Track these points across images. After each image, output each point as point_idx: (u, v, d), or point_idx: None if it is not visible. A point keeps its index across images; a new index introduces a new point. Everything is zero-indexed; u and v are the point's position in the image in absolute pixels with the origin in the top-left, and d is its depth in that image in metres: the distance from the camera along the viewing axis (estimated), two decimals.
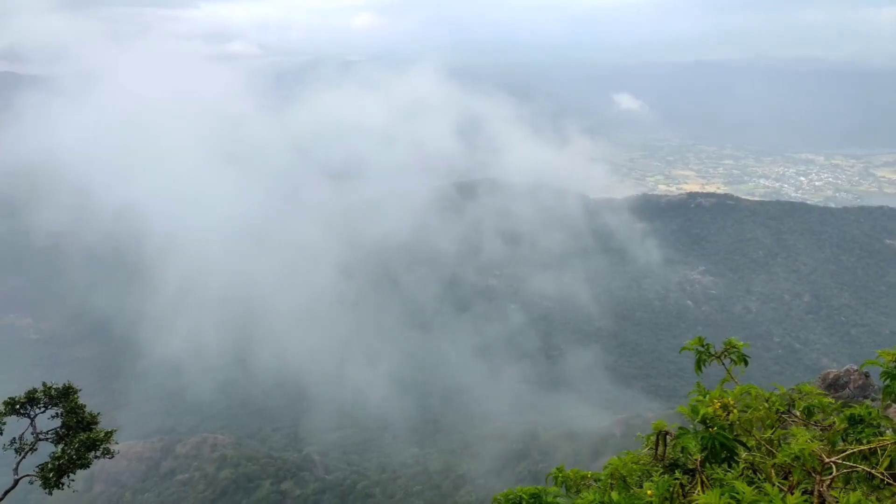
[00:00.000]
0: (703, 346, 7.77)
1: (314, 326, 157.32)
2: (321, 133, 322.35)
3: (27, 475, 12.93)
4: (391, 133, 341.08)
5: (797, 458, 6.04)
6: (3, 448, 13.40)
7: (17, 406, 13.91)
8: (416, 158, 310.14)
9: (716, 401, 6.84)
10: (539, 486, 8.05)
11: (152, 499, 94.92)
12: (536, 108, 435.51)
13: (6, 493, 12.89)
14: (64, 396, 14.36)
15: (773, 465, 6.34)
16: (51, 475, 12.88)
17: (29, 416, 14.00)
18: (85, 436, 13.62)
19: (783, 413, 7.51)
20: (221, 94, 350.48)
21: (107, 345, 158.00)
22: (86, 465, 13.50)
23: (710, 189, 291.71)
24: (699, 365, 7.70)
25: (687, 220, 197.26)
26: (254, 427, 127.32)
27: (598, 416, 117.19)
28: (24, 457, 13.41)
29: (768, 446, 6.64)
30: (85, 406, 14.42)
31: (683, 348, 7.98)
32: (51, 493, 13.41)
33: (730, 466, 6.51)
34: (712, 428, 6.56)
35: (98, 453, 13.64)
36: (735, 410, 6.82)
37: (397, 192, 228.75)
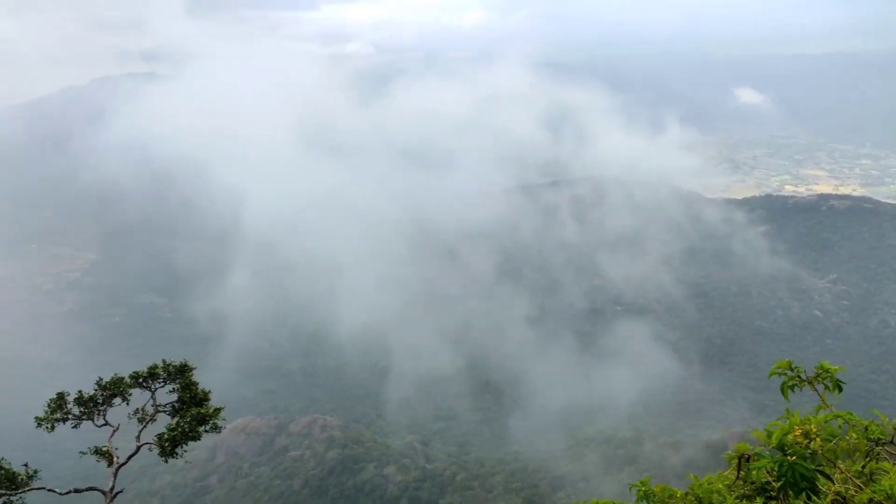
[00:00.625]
0: (791, 370, 7.23)
1: (411, 317, 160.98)
2: (421, 125, 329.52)
3: (147, 443, 14.34)
4: (500, 127, 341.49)
5: (889, 496, 5.47)
6: (129, 417, 14.95)
7: (141, 380, 15.44)
8: (521, 153, 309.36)
9: (796, 427, 6.33)
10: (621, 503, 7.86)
11: (267, 472, 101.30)
12: (650, 104, 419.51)
13: (130, 457, 14.36)
14: (180, 373, 15.71)
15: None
16: (166, 444, 14.19)
17: (150, 390, 15.51)
18: (196, 411, 14.86)
19: (884, 444, 6.80)
20: (328, 90, 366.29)
21: (227, 324, 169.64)
22: (196, 438, 14.71)
23: (845, 191, 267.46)
24: (785, 390, 7.14)
25: (817, 224, 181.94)
26: (359, 411, 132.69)
27: (710, 429, 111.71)
28: (145, 426, 14.88)
29: (855, 480, 6.04)
30: (198, 383, 15.73)
31: (772, 372, 7.45)
32: (166, 461, 14.77)
33: (809, 498, 5.99)
34: (791, 456, 6.08)
35: (207, 428, 14.84)
36: (818, 439, 6.27)
37: (506, 188, 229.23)
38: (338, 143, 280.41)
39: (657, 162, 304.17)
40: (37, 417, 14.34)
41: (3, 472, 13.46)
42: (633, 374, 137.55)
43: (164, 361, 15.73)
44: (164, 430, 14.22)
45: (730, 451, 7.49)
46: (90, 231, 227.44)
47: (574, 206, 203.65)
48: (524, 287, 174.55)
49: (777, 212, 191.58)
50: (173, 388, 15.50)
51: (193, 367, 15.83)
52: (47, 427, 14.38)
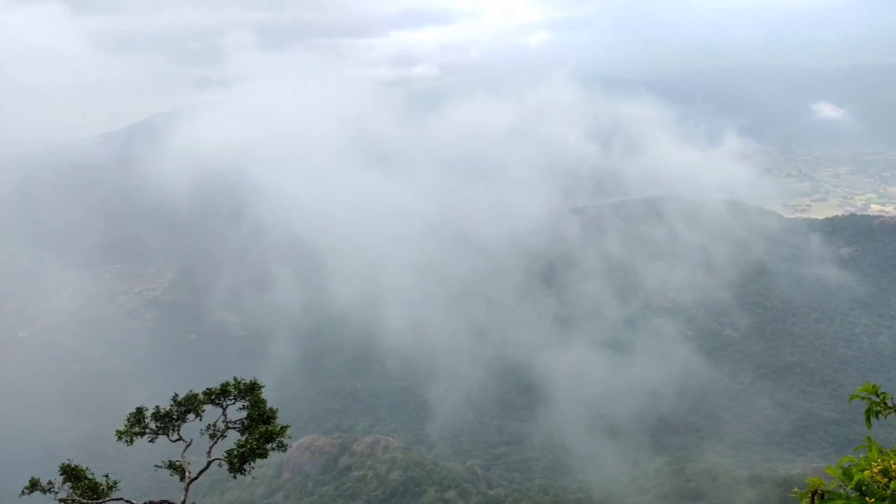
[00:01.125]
0: (877, 394, 6.72)
1: (464, 337, 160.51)
2: (473, 137, 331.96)
3: (217, 459, 14.85)
4: (555, 141, 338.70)
5: None
6: (201, 433, 15.55)
7: (213, 396, 16.06)
8: (578, 167, 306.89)
9: (874, 464, 5.87)
10: None
11: (330, 491, 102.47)
12: (726, 119, 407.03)
13: (201, 472, 14.92)
14: (250, 391, 16.25)
15: None
16: (235, 461, 14.65)
17: (222, 406, 16.11)
18: (264, 428, 15.31)
19: None
20: (384, 108, 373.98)
21: (295, 343, 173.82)
22: (264, 455, 15.14)
23: None
24: (868, 416, 6.64)
25: None
26: (421, 433, 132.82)
27: (789, 463, 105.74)
28: (215, 442, 15.43)
29: None
30: (266, 401, 16.22)
31: (853, 396, 6.97)
32: (235, 477, 15.26)
33: None
34: (870, 498, 5.61)
35: (274, 445, 15.25)
36: None
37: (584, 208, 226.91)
38: (389, 156, 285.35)
39: (729, 179, 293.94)
40: (118, 431, 15.09)
41: (87, 481, 14.22)
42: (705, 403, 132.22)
43: (234, 379, 16.30)
44: (234, 447, 14.68)
45: (797, 489, 7.02)
46: (170, 252, 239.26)
47: (640, 223, 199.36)
48: (589, 313, 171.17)
49: (862, 232, 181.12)
50: (243, 406, 16.02)
51: (262, 385, 16.34)
52: (127, 440, 15.10)
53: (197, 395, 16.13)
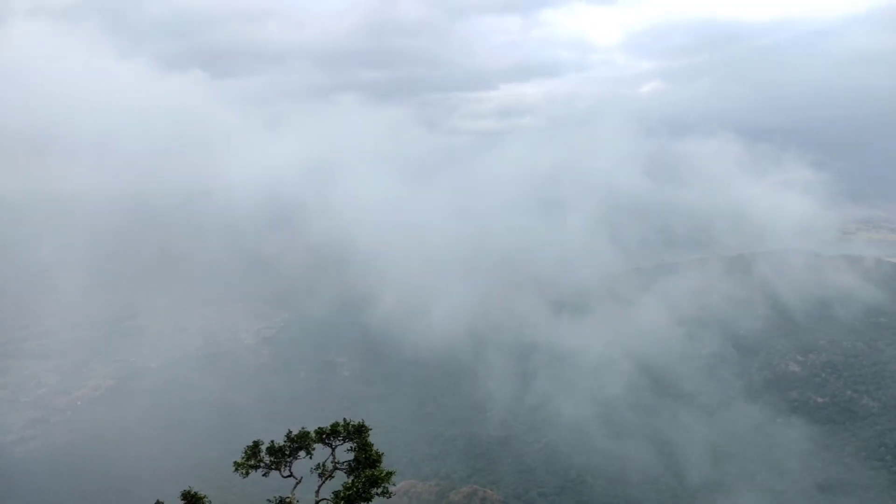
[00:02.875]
0: None
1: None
2: (571, 185, 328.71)
3: (324, 499, 15.21)
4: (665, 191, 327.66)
5: None
6: (311, 471, 16.02)
7: (324, 435, 16.58)
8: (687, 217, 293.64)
9: None
10: None
11: None
12: (853, 170, 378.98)
13: None
14: (358, 433, 16.62)
15: None
16: (341, 503, 14.95)
17: (331, 446, 16.57)
18: (370, 472, 15.53)
19: None
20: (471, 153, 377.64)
21: (397, 385, 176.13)
22: (368, 500, 15.30)
23: None
24: None
25: None
26: (520, 487, 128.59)
27: None
28: (324, 482, 15.84)
29: None
30: (373, 445, 16.46)
31: None
32: None
33: None
34: None
35: (378, 490, 15.39)
36: None
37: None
38: (470, 193, 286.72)
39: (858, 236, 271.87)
40: (235, 462, 15.86)
41: None
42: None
43: (344, 420, 16.74)
44: (341, 489, 14.96)
45: None
46: (287, 293, 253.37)
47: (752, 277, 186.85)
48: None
49: None
50: (350, 447, 16.36)
51: (370, 427, 16.63)
52: (242, 472, 15.80)
53: (309, 433, 16.71)
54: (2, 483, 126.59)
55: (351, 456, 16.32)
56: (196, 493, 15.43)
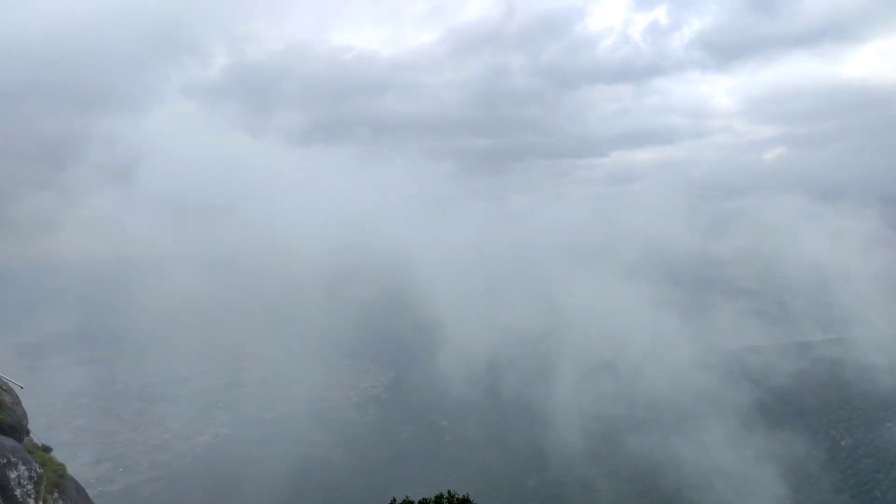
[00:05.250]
0: None
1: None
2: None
3: None
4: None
5: None
6: None
7: None
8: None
9: None
10: None
11: None
12: None
13: None
14: None
15: None
16: None
17: None
18: None
19: None
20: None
21: (492, 452, 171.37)
22: None
23: None
24: None
25: None
26: None
27: None
28: None
29: None
30: None
31: None
32: None
33: None
34: None
35: None
36: None
37: None
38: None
39: None
40: None
41: None
42: None
43: (448, 492, 17.04)
44: None
45: None
46: (393, 352, 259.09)
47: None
48: None
49: None
50: None
51: (474, 502, 16.81)
52: None
53: (413, 502, 17.10)
54: None
55: None
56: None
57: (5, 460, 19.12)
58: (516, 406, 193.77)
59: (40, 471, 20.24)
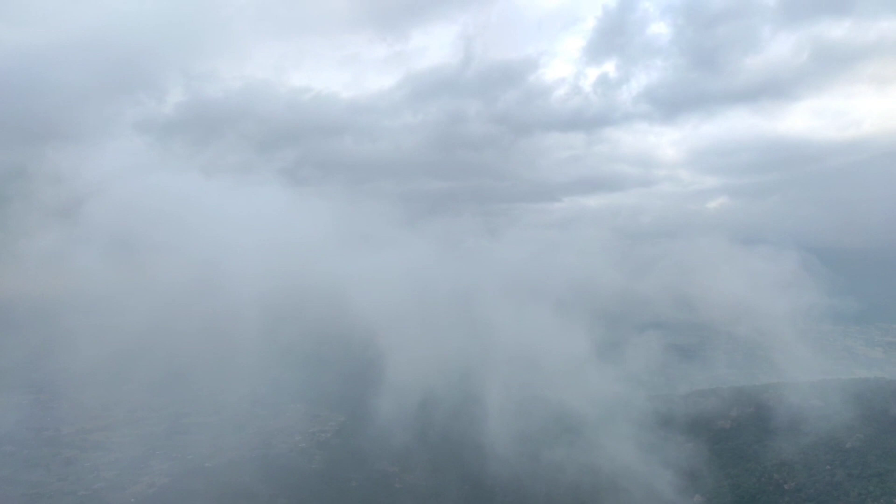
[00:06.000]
0: None
1: None
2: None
3: None
4: None
5: None
6: None
7: None
8: None
9: None
10: None
11: None
12: None
13: None
14: None
15: None
16: None
17: None
18: None
19: None
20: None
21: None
22: None
23: None
24: None
25: None
26: None
27: None
28: None
29: None
30: None
31: None
32: None
33: None
34: None
35: None
36: None
37: None
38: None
39: None
40: None
41: None
42: None
43: None
44: None
45: None
46: (344, 395, 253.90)
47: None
48: None
49: None
50: None
51: None
52: None
53: None
54: None
55: None
56: None
57: None
58: (465, 446, 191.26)
59: None
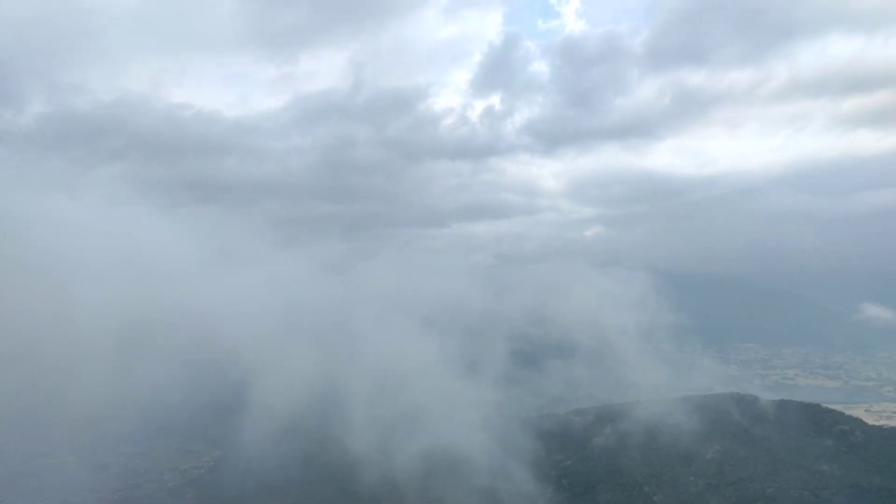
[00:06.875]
0: None
1: None
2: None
3: None
4: None
5: None
6: None
7: None
8: None
9: None
10: None
11: None
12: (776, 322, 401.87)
13: None
14: None
15: None
16: None
17: None
18: None
19: None
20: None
21: None
22: None
23: None
24: None
25: None
26: None
27: None
28: None
29: None
30: None
31: None
32: None
33: None
34: None
35: None
36: None
37: None
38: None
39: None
40: None
41: None
42: None
43: None
44: None
45: None
46: (222, 427, 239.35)
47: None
48: None
49: None
50: None
51: None
52: None
53: None
54: None
55: None
56: None
57: None
58: (341, 472, 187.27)
59: None
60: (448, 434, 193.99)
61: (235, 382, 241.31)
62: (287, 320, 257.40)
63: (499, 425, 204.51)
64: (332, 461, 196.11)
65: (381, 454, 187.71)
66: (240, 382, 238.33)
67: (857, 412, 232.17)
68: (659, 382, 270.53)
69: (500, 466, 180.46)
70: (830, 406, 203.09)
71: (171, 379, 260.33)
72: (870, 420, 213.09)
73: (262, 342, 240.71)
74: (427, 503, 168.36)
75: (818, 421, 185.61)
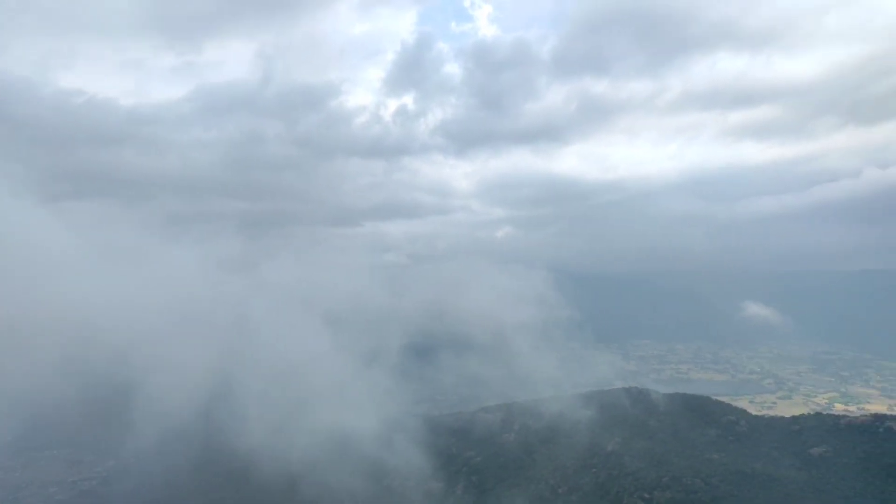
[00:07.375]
0: None
1: None
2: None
3: None
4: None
5: None
6: None
7: None
8: None
9: None
10: None
11: None
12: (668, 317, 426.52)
13: None
14: None
15: None
16: None
17: None
18: None
19: None
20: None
21: None
22: None
23: None
24: None
25: (876, 447, 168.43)
26: None
27: None
28: None
29: None
30: None
31: None
32: None
33: None
34: None
35: None
36: None
37: None
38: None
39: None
40: None
41: None
42: None
43: None
44: None
45: None
46: (116, 434, 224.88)
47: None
48: None
49: (829, 433, 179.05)
50: None
51: None
52: None
53: None
54: None
55: None
56: None
57: None
58: (235, 474, 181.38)
59: None
60: (344, 425, 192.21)
61: (124, 384, 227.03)
62: (180, 319, 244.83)
63: (395, 419, 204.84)
64: (224, 461, 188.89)
65: (273, 448, 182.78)
66: (129, 384, 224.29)
67: (742, 403, 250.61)
68: (559, 378, 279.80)
69: (406, 464, 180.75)
70: (718, 398, 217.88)
71: (54, 384, 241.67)
72: (753, 410, 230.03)
73: (153, 342, 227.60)
74: (321, 496, 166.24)
75: (707, 412, 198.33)
